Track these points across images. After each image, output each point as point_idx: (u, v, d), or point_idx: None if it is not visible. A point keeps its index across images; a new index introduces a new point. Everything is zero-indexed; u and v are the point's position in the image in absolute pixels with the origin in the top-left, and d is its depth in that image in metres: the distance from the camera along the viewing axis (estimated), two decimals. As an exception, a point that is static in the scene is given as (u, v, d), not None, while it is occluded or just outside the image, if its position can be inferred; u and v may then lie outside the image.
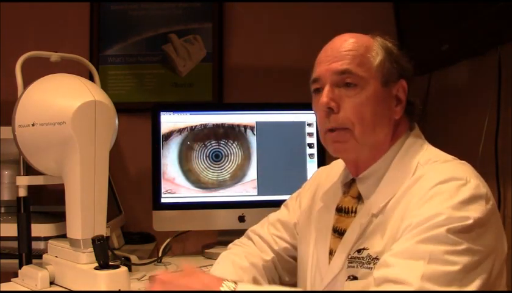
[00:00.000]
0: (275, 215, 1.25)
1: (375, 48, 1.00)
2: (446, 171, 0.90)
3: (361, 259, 0.95)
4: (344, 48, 0.99)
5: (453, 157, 0.98)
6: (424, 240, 0.81)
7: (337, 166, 1.13)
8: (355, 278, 0.94)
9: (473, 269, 0.80)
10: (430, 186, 0.87)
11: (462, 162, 0.96)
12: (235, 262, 1.12)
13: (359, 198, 1.03)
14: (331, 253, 1.03)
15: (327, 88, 0.98)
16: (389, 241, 0.90)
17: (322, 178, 1.19)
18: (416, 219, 0.84)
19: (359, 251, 0.95)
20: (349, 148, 0.99)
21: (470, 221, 0.82)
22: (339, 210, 1.06)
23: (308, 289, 1.08)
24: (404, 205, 0.90)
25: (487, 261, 0.83)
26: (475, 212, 0.83)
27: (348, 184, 1.07)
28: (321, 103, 0.98)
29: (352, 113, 0.97)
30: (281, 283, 1.19)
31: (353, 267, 0.95)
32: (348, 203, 1.04)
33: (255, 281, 1.11)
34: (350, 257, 0.97)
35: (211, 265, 1.46)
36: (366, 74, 0.97)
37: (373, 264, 0.92)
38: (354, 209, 1.03)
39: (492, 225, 0.86)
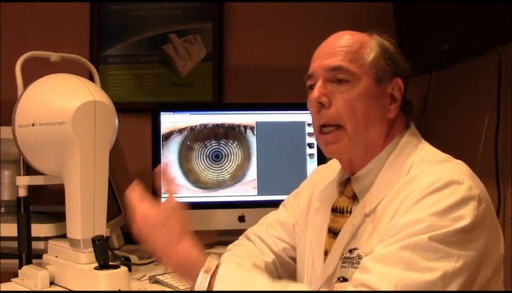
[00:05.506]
0: (273, 216, 1.24)
1: (370, 45, 0.99)
2: (439, 173, 0.88)
3: (351, 259, 0.95)
4: (338, 44, 0.99)
5: (449, 156, 0.97)
6: (404, 247, 0.81)
7: (335, 165, 1.13)
8: (344, 280, 0.94)
9: (457, 275, 0.79)
10: (421, 189, 0.86)
11: (458, 161, 0.95)
12: (238, 263, 1.11)
13: (354, 198, 1.02)
14: (326, 253, 1.02)
15: (319, 84, 0.98)
16: (378, 240, 0.89)
17: (319, 177, 1.19)
18: (401, 221, 0.85)
19: (350, 251, 0.95)
20: (342, 148, 0.99)
21: (455, 228, 0.81)
22: (335, 210, 1.05)
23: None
24: (395, 205, 0.90)
25: (477, 265, 0.83)
26: (463, 217, 0.82)
27: (344, 184, 1.07)
28: (312, 97, 0.99)
29: (343, 108, 0.96)
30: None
31: (345, 267, 0.95)
32: (344, 203, 1.04)
33: None
34: (343, 257, 0.97)
35: (211, 265, 1.46)
36: (359, 70, 0.97)
37: None
38: (349, 209, 1.02)
39: (485, 227, 0.85)
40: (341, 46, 0.99)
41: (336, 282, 0.96)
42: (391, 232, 0.85)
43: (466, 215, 0.82)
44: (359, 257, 0.93)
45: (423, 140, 1.03)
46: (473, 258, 0.82)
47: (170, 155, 1.67)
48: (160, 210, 0.93)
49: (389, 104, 1.00)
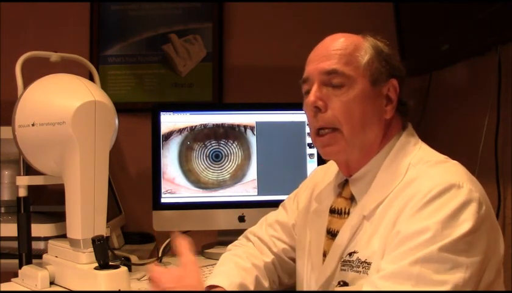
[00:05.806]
0: (273, 216, 1.24)
1: (364, 47, 1.00)
2: (438, 176, 0.88)
3: (351, 263, 0.95)
4: (333, 47, 1.00)
5: (446, 157, 0.97)
6: (413, 261, 0.80)
7: (334, 166, 1.13)
8: (345, 284, 0.94)
9: (466, 285, 0.80)
10: (422, 194, 0.86)
11: (455, 162, 0.95)
12: (238, 263, 1.11)
13: (352, 199, 1.02)
14: (325, 254, 1.02)
15: (314, 88, 0.99)
16: (380, 245, 0.89)
17: (319, 178, 1.19)
18: (405, 229, 0.84)
19: (350, 254, 0.95)
20: (338, 150, 0.99)
21: (460, 234, 0.81)
22: (332, 211, 1.06)
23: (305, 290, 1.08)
24: (395, 209, 0.89)
25: (481, 268, 0.83)
26: (466, 220, 0.82)
27: (342, 185, 1.07)
28: (308, 102, 0.99)
29: (340, 112, 0.97)
30: (281, 284, 1.19)
31: (345, 270, 0.95)
32: (341, 204, 1.04)
33: (258, 282, 1.10)
34: (342, 260, 0.96)
35: (211, 265, 1.47)
36: (354, 73, 0.97)
37: (362, 268, 0.92)
38: (347, 211, 1.02)
39: (485, 229, 0.85)
40: (335, 49, 0.99)
41: (336, 286, 0.96)
42: (396, 241, 0.85)
43: (468, 219, 0.83)
44: (359, 260, 0.93)
45: (420, 141, 1.03)
46: (478, 263, 0.82)
47: (170, 155, 1.67)
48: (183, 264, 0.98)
49: (385, 105, 1.00)
